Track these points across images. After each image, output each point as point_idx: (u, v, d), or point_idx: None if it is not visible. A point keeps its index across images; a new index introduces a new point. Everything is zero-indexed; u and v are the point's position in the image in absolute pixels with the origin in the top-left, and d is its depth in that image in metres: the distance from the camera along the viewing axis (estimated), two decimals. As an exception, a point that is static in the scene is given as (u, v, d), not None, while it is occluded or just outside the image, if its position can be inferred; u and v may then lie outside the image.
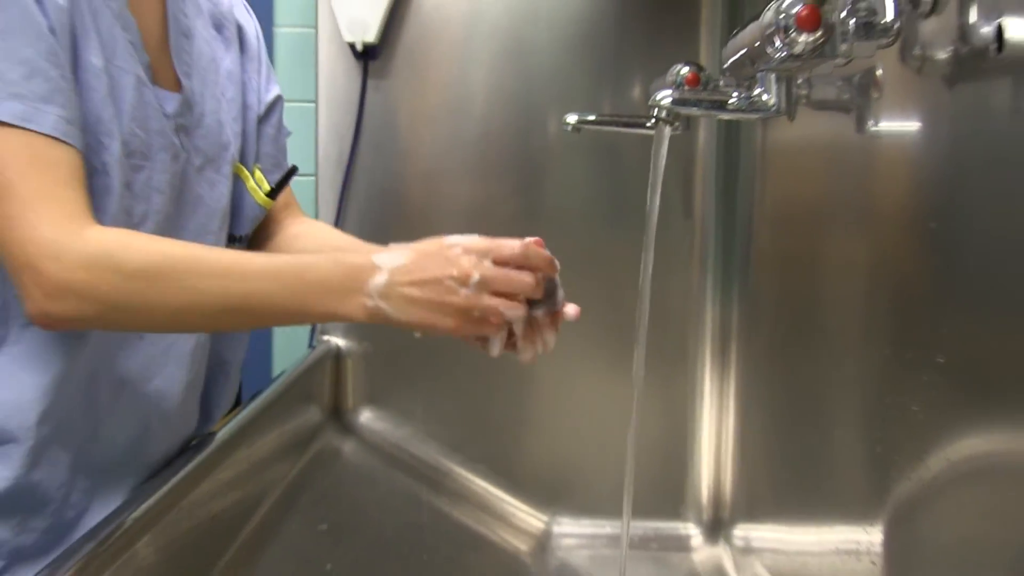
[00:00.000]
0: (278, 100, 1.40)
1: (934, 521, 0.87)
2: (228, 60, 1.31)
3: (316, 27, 1.89)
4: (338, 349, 1.92)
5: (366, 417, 1.92)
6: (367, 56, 1.87)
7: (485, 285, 0.98)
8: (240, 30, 1.35)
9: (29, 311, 0.98)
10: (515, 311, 0.99)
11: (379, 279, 1.00)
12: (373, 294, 1.00)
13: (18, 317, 1.07)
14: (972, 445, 0.80)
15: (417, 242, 1.03)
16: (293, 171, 1.37)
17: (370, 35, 1.83)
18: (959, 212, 0.84)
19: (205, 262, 0.99)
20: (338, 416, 1.89)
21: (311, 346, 1.93)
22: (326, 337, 1.92)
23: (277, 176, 1.38)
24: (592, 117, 1.64)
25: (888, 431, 0.98)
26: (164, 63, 1.17)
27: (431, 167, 1.90)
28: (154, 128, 1.13)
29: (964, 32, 0.80)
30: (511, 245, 1.02)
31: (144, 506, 1.09)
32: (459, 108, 1.89)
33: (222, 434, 1.33)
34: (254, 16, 1.40)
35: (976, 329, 0.80)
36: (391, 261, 1.00)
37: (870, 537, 1.03)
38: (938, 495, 0.86)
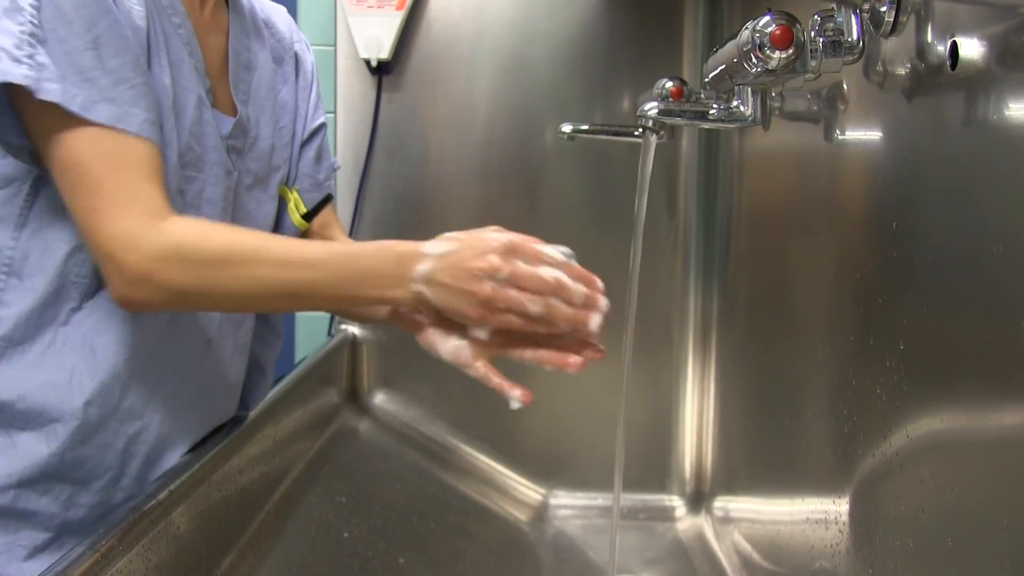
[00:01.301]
0: (322, 127, 1.38)
1: (895, 492, 0.87)
2: (285, 91, 1.31)
3: (335, 45, 1.89)
4: (354, 337, 1.92)
5: (380, 399, 1.92)
6: (381, 71, 1.88)
7: (512, 280, 0.98)
8: (298, 63, 1.34)
9: (112, 295, 1.00)
10: (536, 306, 0.98)
11: (423, 266, 1.00)
12: (418, 279, 1.00)
13: (71, 301, 1.08)
14: (929, 423, 0.81)
15: (467, 232, 1.03)
16: (329, 199, 1.35)
17: (384, 52, 1.84)
18: (917, 213, 0.84)
19: (269, 252, 1.01)
20: (355, 398, 1.90)
21: (330, 335, 1.94)
22: (344, 326, 1.93)
23: (316, 197, 1.36)
24: (585, 126, 1.64)
25: (854, 411, 0.99)
26: (223, 90, 1.18)
27: (439, 172, 1.90)
28: (209, 144, 1.13)
29: (921, 50, 0.81)
30: (548, 251, 1.01)
31: (179, 480, 1.10)
32: (465, 118, 1.89)
33: (251, 415, 1.34)
34: (311, 51, 1.39)
35: (933, 318, 0.81)
36: (435, 249, 1.01)
37: (838, 507, 1.03)
38: (899, 469, 0.86)
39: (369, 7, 1.83)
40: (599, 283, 1.03)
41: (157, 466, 1.16)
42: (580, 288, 1.00)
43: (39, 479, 1.09)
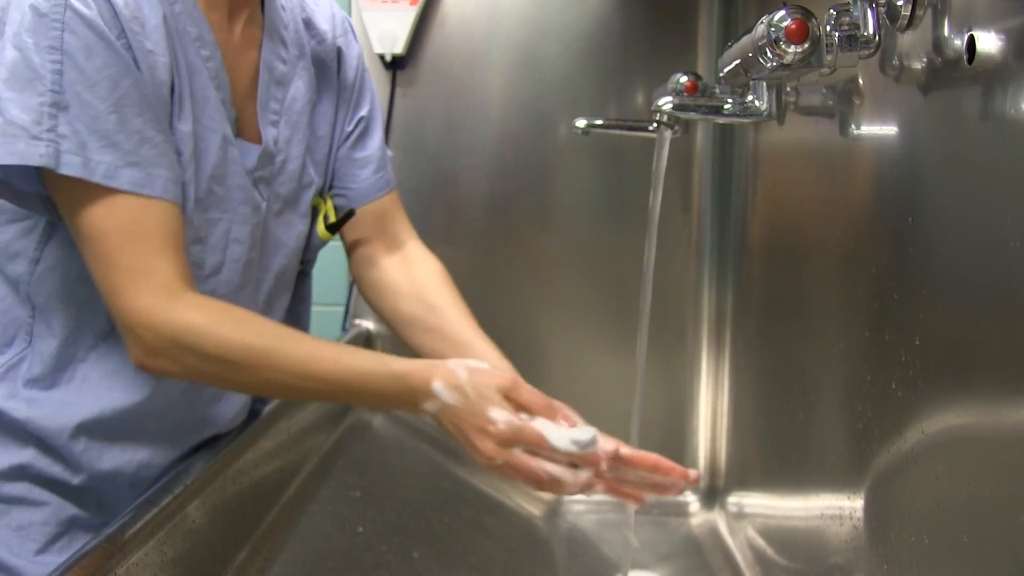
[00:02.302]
0: (363, 118, 1.34)
1: (911, 487, 0.87)
2: (325, 100, 1.28)
3: (349, 40, 1.89)
4: (368, 332, 1.92)
5: (394, 394, 1.92)
6: (395, 66, 1.88)
7: (508, 467, 1.00)
8: (340, 59, 1.30)
9: (132, 360, 1.02)
10: (530, 484, 1.01)
11: (431, 405, 1.02)
12: (425, 411, 1.03)
13: (89, 339, 1.09)
14: (945, 419, 0.80)
15: (475, 383, 1.02)
16: (351, 214, 1.31)
17: (398, 47, 1.84)
18: (933, 208, 0.84)
19: (277, 359, 1.01)
20: (369, 393, 1.89)
21: (344, 329, 1.94)
22: (358, 321, 1.93)
23: (363, 192, 1.33)
24: (599, 121, 1.64)
25: (868, 406, 0.98)
26: (250, 112, 1.15)
27: (453, 167, 1.90)
28: (234, 184, 1.12)
29: (938, 44, 0.80)
30: (555, 440, 1.00)
31: (194, 473, 1.10)
32: (478, 113, 1.89)
33: (265, 409, 1.34)
34: (356, 38, 1.34)
35: (949, 313, 0.80)
36: (443, 394, 1.01)
37: (852, 503, 1.03)
38: (914, 464, 0.86)
39: (383, 2, 1.83)
40: (603, 464, 1.03)
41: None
42: (579, 479, 1.01)
43: (36, 480, 1.10)
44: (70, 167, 0.93)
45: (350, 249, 1.36)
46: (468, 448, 1.01)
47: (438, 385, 1.01)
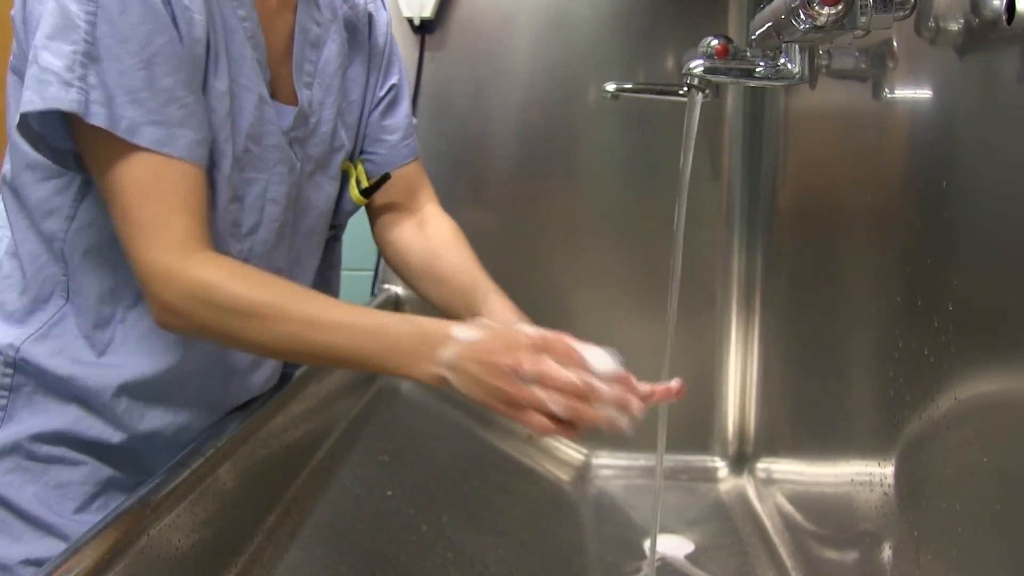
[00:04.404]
0: (393, 87, 1.34)
1: (942, 454, 0.87)
2: (357, 63, 1.28)
3: (377, 3, 1.89)
4: (397, 296, 1.93)
5: (422, 358, 1.93)
6: (424, 30, 1.87)
7: (539, 378, 0.92)
8: (371, 25, 1.30)
9: (151, 315, 1.03)
10: (559, 407, 0.92)
11: (450, 351, 0.96)
12: (441, 363, 0.96)
13: (125, 299, 1.10)
14: (978, 385, 0.80)
15: (502, 322, 1.00)
16: (386, 178, 1.31)
17: (427, 11, 1.83)
18: (968, 172, 0.83)
19: (294, 310, 0.99)
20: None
21: (373, 294, 1.95)
22: (387, 286, 1.93)
23: (390, 159, 1.33)
24: (629, 85, 1.63)
25: (900, 372, 0.98)
26: (285, 74, 1.16)
27: (481, 131, 1.90)
28: (271, 143, 1.12)
29: (975, 4, 0.79)
30: (585, 353, 0.95)
31: (225, 436, 1.11)
32: (506, 77, 1.89)
33: (296, 373, 1.35)
34: (385, 5, 1.35)
35: (983, 279, 0.80)
36: (464, 335, 0.97)
37: (883, 469, 1.03)
38: (946, 431, 0.85)
39: (412, -35, 1.83)
40: (637, 386, 0.96)
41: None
42: (613, 392, 0.94)
43: (76, 444, 1.12)
44: (97, 117, 0.94)
45: (373, 215, 1.37)
46: (494, 379, 0.94)
47: (457, 328, 0.97)
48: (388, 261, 1.38)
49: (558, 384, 0.92)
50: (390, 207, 1.35)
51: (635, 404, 0.94)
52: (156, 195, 0.98)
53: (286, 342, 1.00)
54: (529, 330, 0.97)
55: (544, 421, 0.93)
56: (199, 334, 1.04)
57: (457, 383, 0.96)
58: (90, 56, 0.94)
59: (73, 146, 1.01)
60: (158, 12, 0.96)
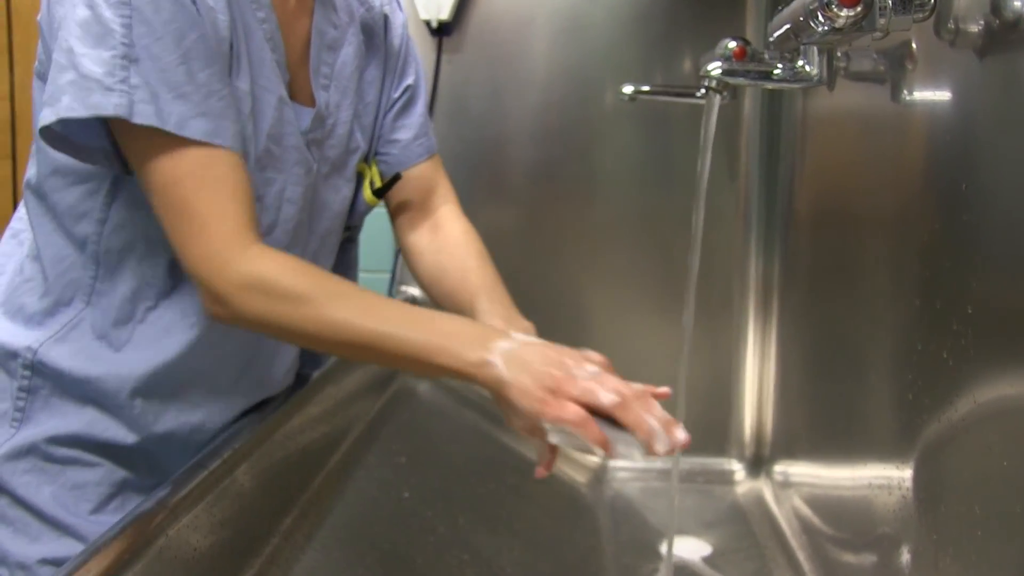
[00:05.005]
0: (409, 87, 1.34)
1: (961, 457, 0.86)
2: (373, 66, 1.28)
3: (394, 6, 1.89)
4: (414, 299, 1.93)
5: (439, 361, 1.93)
6: (441, 33, 1.87)
7: (595, 378, 0.94)
8: (387, 27, 1.30)
9: (204, 309, 1.04)
10: (609, 395, 0.92)
11: (507, 343, 0.97)
12: (495, 350, 0.96)
13: (148, 300, 1.10)
14: (997, 388, 0.80)
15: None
16: (397, 178, 1.32)
17: (444, 13, 1.83)
18: (987, 175, 0.83)
19: (348, 297, 1.01)
20: (414, 359, 1.90)
21: (390, 296, 1.95)
22: (404, 287, 1.93)
23: (405, 160, 1.33)
24: (646, 88, 1.63)
25: (919, 375, 0.98)
26: (302, 76, 1.17)
27: (498, 133, 1.90)
28: (290, 144, 1.13)
29: (996, 6, 0.78)
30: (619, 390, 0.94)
31: (243, 437, 1.12)
32: (524, 80, 1.89)
33: (313, 375, 1.35)
34: (401, 7, 1.35)
35: (1002, 282, 0.79)
36: (525, 337, 0.99)
37: (901, 473, 1.02)
38: (965, 434, 0.85)
39: (429, -32, 1.83)
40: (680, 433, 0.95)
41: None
42: (662, 412, 0.93)
43: (92, 446, 1.12)
44: (143, 116, 0.95)
45: (392, 216, 1.37)
46: (547, 365, 0.94)
47: (516, 334, 1.00)
48: (407, 266, 1.38)
49: (610, 383, 0.93)
50: (406, 208, 1.35)
51: (679, 435, 0.93)
52: (209, 186, 0.99)
53: (338, 330, 1.00)
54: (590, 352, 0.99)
55: (582, 412, 0.91)
56: (250, 325, 1.04)
57: (505, 368, 0.95)
58: (129, 58, 0.95)
59: (105, 144, 1.01)
60: (188, 9, 0.97)
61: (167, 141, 0.97)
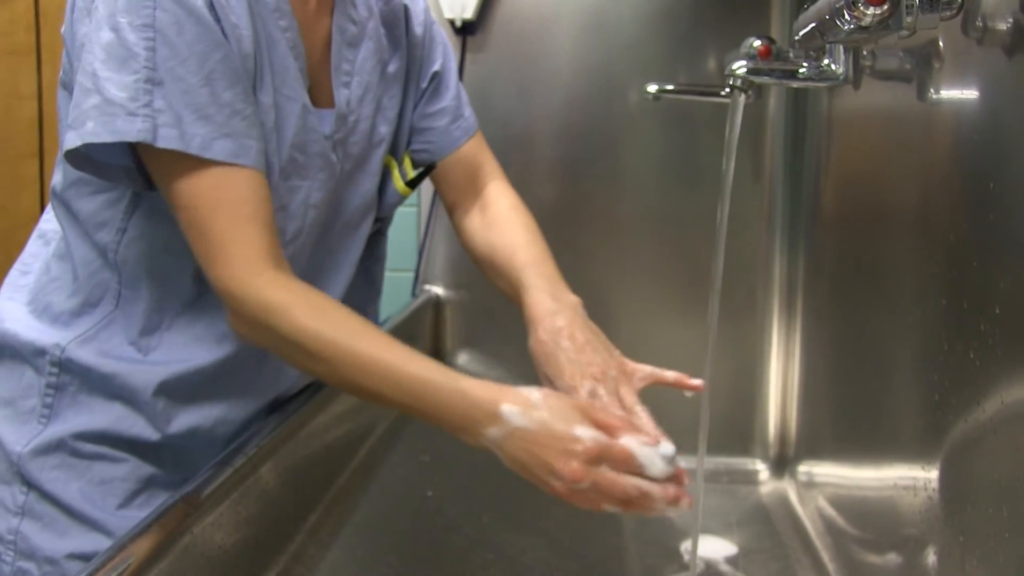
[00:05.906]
0: (436, 74, 1.34)
1: (989, 458, 0.86)
2: (396, 58, 1.28)
3: (419, 5, 1.89)
4: (438, 297, 1.93)
5: (463, 359, 1.93)
6: (465, 31, 1.87)
7: (593, 490, 0.93)
8: (408, 17, 1.30)
9: (229, 324, 1.06)
10: (612, 506, 0.94)
11: (496, 431, 0.95)
12: (487, 439, 0.96)
13: (172, 309, 1.12)
14: (1025, 389, 0.79)
15: (552, 405, 0.97)
16: (431, 168, 1.33)
17: (468, 12, 1.83)
18: (1016, 173, 0.82)
19: (347, 354, 1.00)
20: (438, 357, 1.90)
21: (414, 295, 1.95)
22: (427, 286, 1.94)
23: (444, 145, 1.34)
24: (671, 86, 1.62)
25: (945, 376, 0.97)
26: (323, 78, 1.17)
27: (523, 132, 1.90)
28: (314, 151, 1.13)
29: (1025, 4, 0.78)
30: (640, 453, 0.95)
31: (267, 434, 1.12)
32: (548, 79, 1.88)
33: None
34: None
35: (1031, 282, 0.78)
36: (513, 418, 0.95)
37: (927, 474, 1.01)
38: (992, 435, 0.84)
39: (454, -33, 1.83)
40: (686, 479, 0.98)
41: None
42: (666, 493, 0.95)
43: (118, 442, 1.13)
44: (167, 140, 0.96)
45: (444, 199, 1.38)
46: (544, 475, 0.93)
47: (507, 408, 0.95)
48: (463, 247, 1.38)
49: (613, 493, 0.93)
50: (455, 191, 1.36)
51: (685, 502, 0.96)
52: (228, 207, 1.00)
53: (343, 382, 1.02)
54: (586, 435, 0.94)
55: (595, 503, 0.95)
56: (267, 350, 1.08)
57: (504, 459, 0.97)
58: (153, 81, 0.95)
59: (128, 162, 1.02)
60: (212, 29, 0.98)
61: (190, 163, 0.98)
